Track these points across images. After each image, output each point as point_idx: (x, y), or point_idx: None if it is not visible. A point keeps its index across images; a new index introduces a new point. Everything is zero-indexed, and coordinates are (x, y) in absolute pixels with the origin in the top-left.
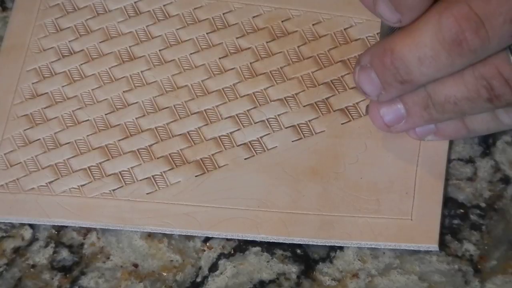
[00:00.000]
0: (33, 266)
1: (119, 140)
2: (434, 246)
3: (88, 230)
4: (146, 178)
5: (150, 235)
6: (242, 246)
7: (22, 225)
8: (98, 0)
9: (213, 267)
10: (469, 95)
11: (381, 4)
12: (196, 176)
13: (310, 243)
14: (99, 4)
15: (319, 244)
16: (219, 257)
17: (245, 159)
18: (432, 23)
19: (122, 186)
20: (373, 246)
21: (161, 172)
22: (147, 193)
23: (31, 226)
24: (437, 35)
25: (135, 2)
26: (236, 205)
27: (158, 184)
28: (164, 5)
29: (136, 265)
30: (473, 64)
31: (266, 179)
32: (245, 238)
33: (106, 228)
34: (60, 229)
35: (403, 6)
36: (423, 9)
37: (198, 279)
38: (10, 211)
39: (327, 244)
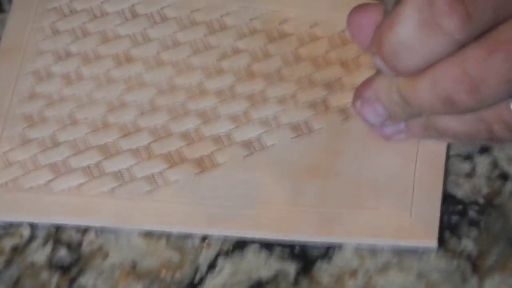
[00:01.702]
0: (32, 264)
1: (117, 138)
2: (434, 243)
3: (87, 229)
4: (145, 176)
5: (148, 234)
6: (241, 244)
7: (21, 223)
8: (96, 3)
9: (212, 265)
10: (469, 132)
11: (377, 62)
12: (195, 174)
13: (309, 240)
14: (97, 7)
15: (318, 241)
16: (217, 255)
17: (244, 156)
18: (428, 79)
19: (121, 185)
20: (372, 243)
21: (160, 170)
22: (146, 191)
23: (30, 224)
24: (432, 90)
25: (132, 5)
26: (235, 202)
27: (157, 182)
28: (161, 8)
29: (134, 264)
30: None
31: (265, 177)
32: (245, 236)
33: (105, 226)
34: (58, 227)
35: (400, 71)
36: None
37: (197, 278)
38: (9, 210)
39: (326, 241)
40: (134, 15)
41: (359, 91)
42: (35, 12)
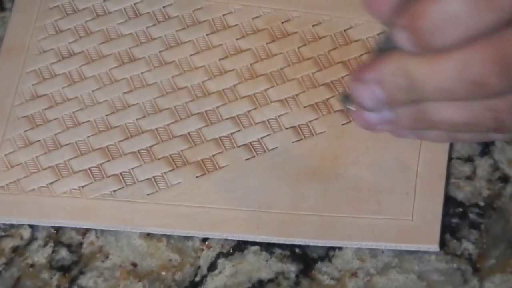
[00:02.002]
0: (32, 265)
1: (119, 141)
2: (435, 247)
3: (87, 230)
4: (147, 179)
5: (149, 235)
6: (241, 245)
7: (21, 224)
8: (98, 1)
9: (212, 266)
10: (471, 122)
11: (402, 36)
12: (196, 177)
13: (311, 244)
14: (99, 6)
15: (320, 245)
16: (218, 257)
17: (245, 160)
18: (458, 60)
19: (122, 187)
20: (373, 247)
21: (161, 173)
22: (147, 194)
23: (30, 225)
24: (460, 72)
25: (134, 4)
26: (237, 206)
27: (159, 185)
28: (163, 7)
29: (135, 265)
30: None
31: (267, 180)
32: (246, 239)
33: (106, 229)
34: (59, 228)
35: (429, 48)
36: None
37: (197, 279)
38: (10, 212)
39: (327, 245)
40: (137, 13)
41: (360, 73)
42: (37, 10)
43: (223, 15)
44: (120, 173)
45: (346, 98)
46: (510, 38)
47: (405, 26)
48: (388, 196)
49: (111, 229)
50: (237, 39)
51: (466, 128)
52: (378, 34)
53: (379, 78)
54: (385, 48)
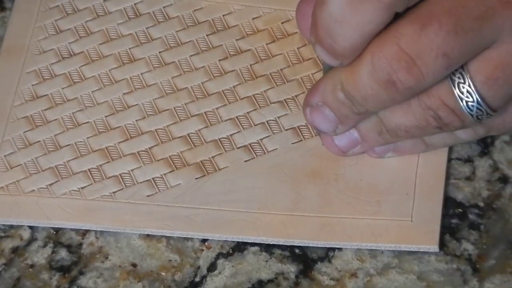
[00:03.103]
0: (32, 266)
1: (119, 142)
2: (435, 248)
3: (87, 230)
4: (147, 181)
5: (148, 235)
6: (241, 246)
7: (21, 225)
8: (98, 2)
9: (212, 267)
10: (418, 124)
11: (319, 51)
12: (196, 178)
13: (311, 245)
14: (99, 6)
15: (319, 246)
16: (217, 257)
17: (245, 161)
18: (366, 64)
19: (122, 189)
20: (373, 248)
21: (161, 175)
22: (147, 196)
23: (30, 226)
24: (372, 75)
25: (135, 4)
26: (236, 207)
27: (158, 186)
28: (164, 7)
29: (134, 265)
30: (418, 94)
31: (266, 181)
32: (245, 241)
33: (106, 230)
34: (58, 229)
35: (339, 53)
36: (359, 53)
37: (197, 279)
38: (10, 213)
39: (327, 246)
40: (137, 13)
41: (306, 99)
42: (37, 10)
43: (223, 15)
44: (120, 175)
45: None
46: (405, 31)
47: (313, 41)
48: (387, 197)
49: (111, 230)
50: (237, 40)
51: (420, 130)
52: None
53: (323, 99)
54: (326, 70)
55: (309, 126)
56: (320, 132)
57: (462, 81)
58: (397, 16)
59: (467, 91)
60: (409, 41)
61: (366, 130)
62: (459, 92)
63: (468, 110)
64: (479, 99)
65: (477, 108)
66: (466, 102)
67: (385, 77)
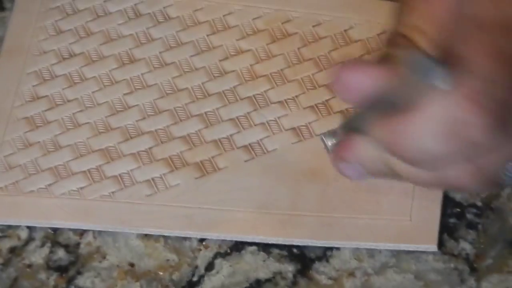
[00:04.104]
0: (29, 266)
1: (119, 143)
2: (433, 247)
3: (84, 230)
4: (146, 181)
5: (146, 235)
6: (238, 245)
7: (18, 225)
8: (98, 2)
9: (209, 266)
10: (434, 182)
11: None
12: (195, 178)
13: (310, 244)
14: (99, 7)
15: (318, 245)
16: (215, 256)
17: (245, 161)
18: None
19: (121, 188)
20: (372, 247)
21: (160, 175)
22: (146, 195)
23: (28, 226)
24: (436, 179)
25: (135, 5)
26: (236, 207)
27: (158, 186)
28: (164, 7)
29: (132, 265)
30: None
31: (266, 181)
32: (244, 240)
33: (105, 230)
34: (56, 229)
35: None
36: None
37: (195, 278)
38: (9, 213)
39: (326, 246)
40: (137, 14)
41: (341, 155)
42: (37, 11)
43: (224, 15)
44: (119, 175)
45: (330, 134)
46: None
47: (383, 141)
48: (386, 197)
49: (110, 230)
50: (237, 40)
51: (433, 187)
52: (378, 35)
53: (360, 162)
54: (354, 126)
55: (309, 127)
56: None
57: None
58: None
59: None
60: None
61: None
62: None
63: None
64: None
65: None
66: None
67: (450, 185)
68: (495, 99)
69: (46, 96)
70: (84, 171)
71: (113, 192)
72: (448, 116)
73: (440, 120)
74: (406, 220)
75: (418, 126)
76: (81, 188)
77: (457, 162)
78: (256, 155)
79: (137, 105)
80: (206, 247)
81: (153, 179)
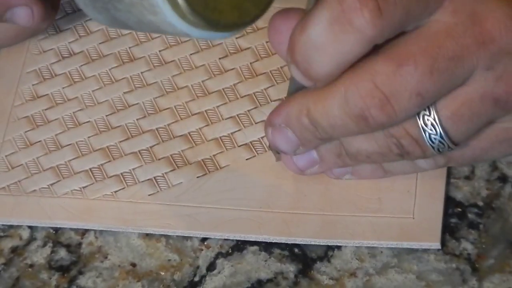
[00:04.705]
0: (31, 265)
1: (120, 142)
2: (437, 245)
3: (86, 230)
4: (148, 180)
5: (147, 235)
6: (240, 245)
7: (20, 224)
8: None
9: (211, 266)
10: (380, 151)
11: (293, 71)
12: (197, 177)
13: (312, 243)
14: None
15: (321, 244)
16: (217, 256)
17: (246, 159)
18: (339, 96)
19: (124, 188)
20: (375, 245)
21: (162, 173)
22: (149, 195)
23: (29, 225)
24: (344, 108)
25: None
26: (238, 205)
27: (160, 185)
28: None
29: (134, 265)
30: None
31: (268, 180)
32: (247, 239)
33: (107, 229)
34: (58, 228)
35: (313, 77)
36: (333, 79)
37: (196, 279)
38: (12, 213)
39: (329, 244)
40: None
41: (269, 118)
42: None
43: None
44: (121, 174)
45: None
46: (381, 69)
47: (290, 61)
48: (389, 194)
49: (113, 229)
50: (236, 38)
51: (381, 157)
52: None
53: (287, 121)
54: (294, 88)
55: None
56: (280, 152)
57: (428, 114)
58: (375, 47)
59: (432, 124)
60: (384, 79)
61: (325, 152)
62: (423, 124)
63: (430, 142)
64: (442, 133)
65: (439, 141)
66: (429, 134)
67: (357, 111)
68: None
69: (46, 95)
70: (86, 170)
71: (115, 192)
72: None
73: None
74: (409, 218)
75: (311, 21)
76: (84, 187)
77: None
78: (257, 153)
79: (137, 103)
80: (207, 247)
81: (155, 178)
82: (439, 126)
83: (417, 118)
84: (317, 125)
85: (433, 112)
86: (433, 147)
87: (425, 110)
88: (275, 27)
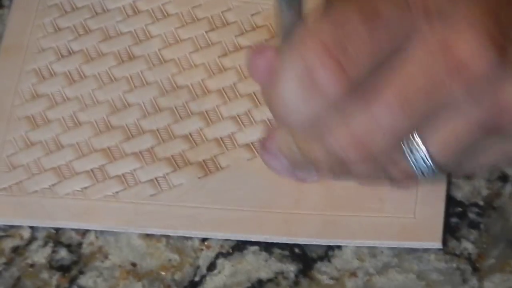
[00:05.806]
0: (32, 265)
1: (120, 142)
2: (438, 244)
3: (87, 230)
4: (149, 180)
5: (148, 235)
6: (240, 245)
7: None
8: None
9: (211, 266)
10: (371, 175)
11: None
12: (199, 177)
13: (313, 243)
14: (98, 4)
15: (322, 244)
16: (217, 256)
17: (247, 160)
18: (320, 148)
19: (125, 188)
20: (376, 245)
21: (164, 174)
22: (150, 195)
23: (30, 226)
24: (324, 151)
25: (133, 1)
26: (239, 206)
27: (161, 186)
28: (162, 4)
29: (134, 264)
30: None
31: (269, 180)
32: (248, 239)
33: (109, 230)
34: (58, 228)
35: (289, 126)
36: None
37: (196, 278)
38: (13, 214)
39: (330, 244)
40: (135, 11)
41: (263, 144)
42: (36, 8)
43: (222, 12)
44: (123, 174)
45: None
46: (354, 112)
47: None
48: (390, 194)
49: (114, 230)
50: (236, 36)
51: (371, 181)
52: None
53: (279, 149)
54: (285, 32)
55: None
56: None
57: (416, 146)
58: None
59: (421, 158)
60: (357, 122)
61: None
62: (410, 155)
63: (420, 172)
64: (432, 165)
65: (428, 172)
66: (419, 168)
67: (337, 155)
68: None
69: (46, 94)
70: (88, 171)
71: (117, 192)
72: (302, 66)
73: (297, 73)
74: (410, 218)
75: (280, 80)
76: (85, 188)
77: (329, 124)
78: (258, 153)
79: (137, 103)
80: (208, 247)
81: (156, 178)
82: (428, 159)
83: (404, 149)
84: (305, 157)
85: (421, 145)
86: (423, 175)
87: (411, 142)
88: (253, 65)
